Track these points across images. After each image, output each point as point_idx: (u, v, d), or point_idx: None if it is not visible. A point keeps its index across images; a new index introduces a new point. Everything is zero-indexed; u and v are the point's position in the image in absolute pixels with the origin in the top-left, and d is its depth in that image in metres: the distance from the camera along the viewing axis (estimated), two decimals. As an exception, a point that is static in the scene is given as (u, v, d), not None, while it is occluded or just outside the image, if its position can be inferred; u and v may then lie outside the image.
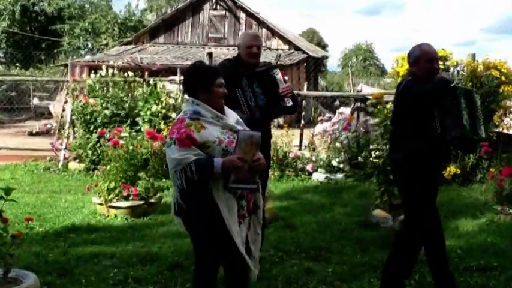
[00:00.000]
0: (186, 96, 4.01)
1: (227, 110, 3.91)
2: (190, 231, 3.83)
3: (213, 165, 3.53)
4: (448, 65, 9.89)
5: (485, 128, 4.61)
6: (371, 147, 7.47)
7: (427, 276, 4.99)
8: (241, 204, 3.74)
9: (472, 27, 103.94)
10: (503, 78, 9.23)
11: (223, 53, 24.79)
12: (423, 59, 4.44)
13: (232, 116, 3.90)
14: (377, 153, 7.01)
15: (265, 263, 5.54)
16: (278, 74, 5.25)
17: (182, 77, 17.69)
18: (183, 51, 25.64)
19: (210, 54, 11.02)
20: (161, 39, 27.24)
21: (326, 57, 36.03)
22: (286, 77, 5.46)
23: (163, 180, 9.09)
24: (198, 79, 3.77)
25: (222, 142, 3.64)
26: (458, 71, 10.08)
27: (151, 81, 11.69)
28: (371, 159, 7.18)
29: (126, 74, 11.83)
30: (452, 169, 8.79)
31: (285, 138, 10.66)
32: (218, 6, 26.67)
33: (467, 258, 5.49)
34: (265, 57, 22.97)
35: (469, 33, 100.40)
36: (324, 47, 45.22)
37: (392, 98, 10.36)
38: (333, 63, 70.26)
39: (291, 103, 5.24)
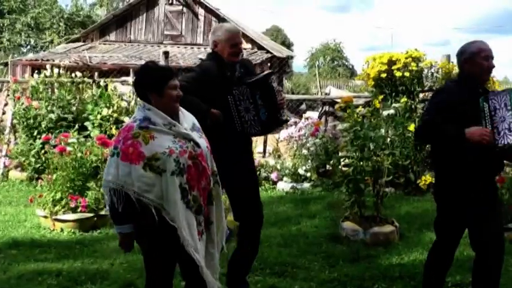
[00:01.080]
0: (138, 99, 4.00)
1: (184, 113, 3.90)
2: (142, 245, 3.83)
3: (118, 225, 3.70)
4: (421, 67, 10.07)
5: None
6: (340, 154, 7.56)
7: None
8: (199, 220, 3.76)
9: (446, 26, 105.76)
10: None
11: (180, 52, 24.79)
12: (480, 56, 4.44)
13: (188, 121, 3.89)
14: (346, 160, 7.09)
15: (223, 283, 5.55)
16: (274, 82, 5.10)
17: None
18: (136, 49, 25.46)
19: (165, 54, 10.96)
20: (112, 36, 27.00)
21: (291, 57, 36.20)
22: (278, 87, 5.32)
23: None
24: (149, 81, 3.73)
25: (173, 152, 3.62)
26: (432, 73, 10.28)
27: (102, 83, 11.57)
28: (340, 167, 7.26)
29: (73, 75, 11.67)
30: (427, 178, 8.92)
31: (253, 143, 10.67)
32: (175, 1, 26.54)
33: (454, 273, 5.56)
34: (226, 56, 23.04)
35: (443, 33, 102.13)
36: (289, 46, 45.56)
37: (362, 101, 10.60)
38: (299, 64, 70.67)
39: (285, 116, 5.17)
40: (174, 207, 3.61)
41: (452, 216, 4.50)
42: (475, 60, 4.41)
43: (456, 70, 9.46)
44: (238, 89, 4.71)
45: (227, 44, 4.82)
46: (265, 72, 5.01)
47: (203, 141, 3.88)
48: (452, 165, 4.41)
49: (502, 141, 4.15)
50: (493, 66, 4.49)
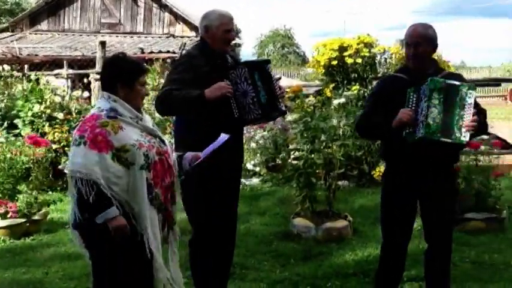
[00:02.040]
0: (85, 93, 3.98)
1: (144, 113, 3.92)
2: (92, 249, 3.77)
3: (104, 210, 3.54)
4: (374, 52, 10.19)
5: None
6: (290, 147, 7.60)
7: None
8: (159, 218, 3.77)
9: (404, 9, 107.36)
10: (434, 66, 9.56)
11: (120, 41, 24.52)
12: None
13: (148, 119, 3.92)
14: (296, 153, 7.12)
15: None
16: (271, 70, 4.76)
17: (70, 70, 17.40)
18: (71, 39, 25.05)
19: (103, 44, 10.90)
20: (44, 25, 26.50)
21: (239, 45, 36.07)
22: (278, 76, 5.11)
23: (49, 193, 8.94)
24: (121, 72, 3.74)
25: (142, 146, 3.64)
26: (385, 59, 10.41)
27: (33, 76, 11.39)
28: (290, 160, 7.30)
29: (1, 68, 11.46)
30: (382, 169, 9.02)
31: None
32: (112, -13, 26.26)
33: (408, 266, 5.67)
34: (169, 45, 22.91)
35: (400, 16, 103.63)
36: (236, 33, 45.39)
37: (313, 90, 10.67)
38: (247, 52, 70.66)
39: (284, 107, 4.89)
40: (141, 202, 3.62)
41: (400, 208, 4.58)
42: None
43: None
44: (235, 71, 4.54)
45: (220, 29, 4.60)
46: (263, 59, 4.90)
47: (166, 140, 3.93)
48: (396, 157, 4.54)
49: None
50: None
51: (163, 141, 3.83)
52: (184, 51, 18.79)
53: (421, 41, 4.41)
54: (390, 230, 4.67)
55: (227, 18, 4.65)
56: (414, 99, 4.31)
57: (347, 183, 9.00)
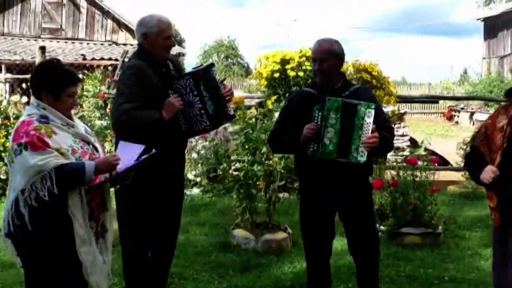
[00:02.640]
0: (23, 98, 3.91)
1: (75, 119, 3.87)
2: (25, 256, 3.71)
3: (85, 169, 3.50)
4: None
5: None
6: (231, 158, 7.61)
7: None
8: (90, 226, 3.72)
9: (344, 24, 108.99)
10: (374, 81, 9.72)
11: (60, 47, 24.22)
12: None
13: (80, 126, 3.87)
14: (237, 164, 7.15)
15: (108, 294, 5.49)
16: (215, 74, 4.69)
17: (8, 75, 17.07)
18: (10, 43, 24.61)
19: (42, 49, 10.64)
20: (-17, 28, 26.03)
21: (183, 54, 36.02)
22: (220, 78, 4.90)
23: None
24: (46, 81, 3.68)
25: (76, 152, 3.61)
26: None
27: (-31, 80, 11.14)
28: (231, 171, 7.32)
29: None
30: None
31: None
32: (54, -8, 25.92)
33: (335, 281, 5.72)
34: (111, 52, 22.73)
35: (341, 31, 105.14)
36: (180, 42, 45.36)
37: (255, 102, 10.72)
38: (191, 61, 70.75)
39: (232, 111, 4.83)
40: (76, 205, 3.59)
41: (314, 226, 4.62)
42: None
43: (351, 70, 9.80)
44: (179, 82, 4.46)
45: (160, 36, 4.49)
46: (206, 64, 4.73)
47: (99, 146, 3.89)
48: (307, 173, 4.60)
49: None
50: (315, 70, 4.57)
51: (96, 148, 3.80)
52: (126, 60, 18.66)
53: (326, 57, 4.44)
54: (312, 247, 4.70)
55: (166, 24, 4.55)
56: (320, 117, 4.33)
57: (287, 195, 9.03)
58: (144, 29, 4.51)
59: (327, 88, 4.45)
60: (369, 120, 4.30)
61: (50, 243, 3.60)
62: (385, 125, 4.51)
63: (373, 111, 4.32)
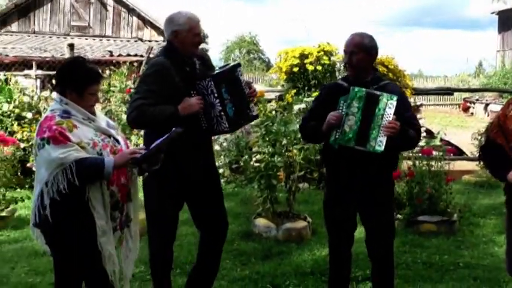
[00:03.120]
0: (54, 94, 3.92)
1: (98, 113, 3.90)
2: (54, 245, 3.76)
3: (104, 165, 3.52)
4: (334, 60, 10.27)
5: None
6: (253, 149, 7.62)
7: None
8: (114, 216, 3.75)
9: (362, 20, 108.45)
10: (390, 75, 9.68)
11: (89, 44, 24.31)
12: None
13: (103, 120, 3.89)
14: (258, 156, 7.16)
15: (135, 281, 5.53)
16: (242, 75, 4.58)
17: (38, 71, 17.19)
18: (40, 41, 24.78)
19: (71, 46, 10.82)
20: (14, 27, 26.17)
21: (206, 50, 36.14)
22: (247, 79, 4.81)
23: (18, 190, 8.84)
24: (71, 78, 3.70)
25: (96, 145, 3.63)
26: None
27: (1, 76, 11.24)
28: (252, 162, 7.33)
29: (-30, 67, 11.29)
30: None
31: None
32: (82, -9, 26.06)
33: (354, 268, 5.73)
34: (137, 49, 22.80)
35: (359, 26, 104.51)
36: (204, 38, 45.41)
37: (275, 95, 10.71)
38: (214, 57, 70.56)
39: (256, 112, 4.71)
40: (96, 197, 3.61)
41: (340, 214, 4.60)
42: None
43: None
44: (202, 83, 4.39)
45: (190, 33, 4.40)
46: (232, 64, 4.64)
47: (121, 139, 3.89)
48: (333, 161, 4.58)
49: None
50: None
51: (117, 141, 3.80)
52: (152, 56, 18.70)
53: (356, 50, 4.41)
54: (333, 235, 4.70)
55: (195, 21, 4.46)
56: (344, 106, 4.32)
57: (307, 185, 9.04)
58: (175, 26, 4.43)
59: (356, 81, 4.43)
60: (390, 111, 4.27)
61: (70, 234, 3.64)
62: (411, 122, 4.45)
63: (395, 103, 4.28)
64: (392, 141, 4.29)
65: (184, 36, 4.40)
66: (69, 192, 3.51)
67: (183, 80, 4.36)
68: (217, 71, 4.55)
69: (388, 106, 4.28)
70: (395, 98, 4.31)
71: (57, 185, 3.51)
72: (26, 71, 13.89)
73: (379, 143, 4.26)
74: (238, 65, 4.68)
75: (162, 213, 4.61)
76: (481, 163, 10.90)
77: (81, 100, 3.69)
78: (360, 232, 5.87)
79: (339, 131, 4.32)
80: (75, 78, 3.69)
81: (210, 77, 4.41)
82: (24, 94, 10.80)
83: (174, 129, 3.78)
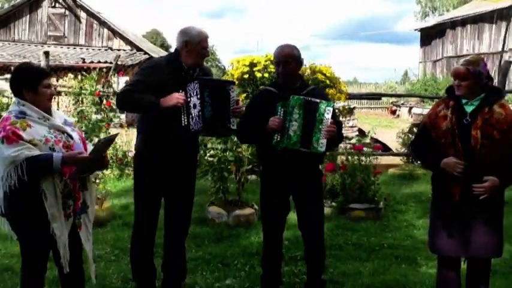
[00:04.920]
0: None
1: (55, 111, 3.83)
2: (17, 232, 3.70)
3: (52, 161, 3.46)
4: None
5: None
6: (207, 146, 7.58)
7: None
8: (68, 204, 3.67)
9: (305, 33, 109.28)
10: (327, 81, 9.73)
11: (64, 52, 23.96)
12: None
13: (59, 117, 3.82)
14: (212, 152, 7.14)
15: (102, 261, 5.47)
16: (234, 92, 4.45)
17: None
18: (20, 48, 24.32)
19: (46, 53, 10.53)
20: (-4, 35, 25.66)
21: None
22: (238, 98, 4.61)
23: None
24: (23, 79, 3.65)
25: (49, 141, 3.56)
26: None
27: (-17, 80, 10.95)
28: (206, 157, 7.30)
29: (-45, 72, 10.96)
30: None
31: (124, 138, 10.46)
32: (57, 4, 25.68)
33: (293, 248, 5.77)
34: (107, 57, 22.51)
35: (302, 38, 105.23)
36: (167, 48, 45.05)
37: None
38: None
39: (235, 126, 4.50)
40: (48, 188, 3.55)
41: (273, 204, 4.57)
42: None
43: (308, 72, 9.79)
44: (190, 85, 4.26)
45: (199, 46, 4.33)
46: (225, 79, 4.59)
47: (76, 134, 3.81)
48: (269, 159, 4.54)
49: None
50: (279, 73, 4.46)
51: (70, 136, 3.72)
52: (119, 62, 18.47)
53: (289, 60, 4.38)
54: (267, 222, 4.66)
55: (205, 36, 4.38)
56: (282, 113, 4.28)
57: (254, 177, 9.00)
58: (187, 37, 4.34)
59: (287, 88, 4.40)
60: (328, 116, 4.28)
61: (25, 221, 3.61)
62: (335, 120, 4.47)
63: (331, 109, 4.31)
64: (329, 142, 4.34)
65: (194, 48, 4.33)
66: (24, 185, 3.46)
67: (174, 79, 4.27)
68: (206, 77, 4.46)
69: (326, 112, 4.28)
70: (331, 105, 4.34)
71: (9, 180, 3.46)
72: (6, 76, 13.53)
73: (321, 144, 4.28)
74: (233, 82, 4.65)
75: (141, 198, 4.54)
76: (404, 158, 11.13)
77: (37, 96, 3.63)
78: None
79: (279, 135, 4.29)
80: (27, 77, 3.65)
81: (197, 80, 4.30)
82: (3, 96, 10.56)
83: (111, 134, 3.73)
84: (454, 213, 3.96)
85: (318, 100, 4.31)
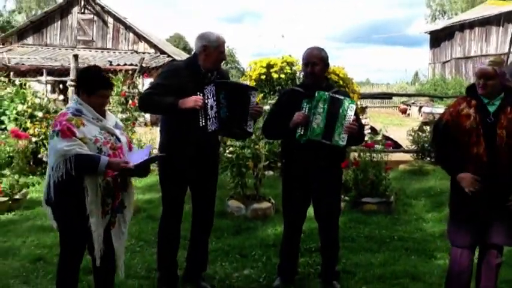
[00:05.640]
0: (61, 96, 3.90)
1: (108, 114, 3.88)
2: (58, 222, 3.74)
3: (99, 163, 3.50)
4: (294, 70, 10.25)
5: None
6: (226, 143, 7.58)
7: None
8: (107, 202, 3.69)
9: (319, 36, 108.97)
10: (340, 82, 9.72)
11: (92, 55, 24.10)
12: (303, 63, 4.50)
13: (111, 120, 3.86)
14: (231, 149, 7.13)
15: (127, 252, 5.47)
16: (254, 97, 4.41)
17: (48, 77, 16.98)
18: (51, 52, 24.52)
19: (75, 56, 10.65)
20: (29, 40, 25.91)
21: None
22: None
23: (30, 177, 8.71)
24: (84, 81, 3.71)
25: (98, 141, 3.60)
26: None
27: (17, 81, 11.05)
28: (226, 154, 7.29)
29: (-9, 74, 11.07)
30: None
31: (149, 136, 10.49)
32: (86, 11, 25.88)
33: (308, 240, 5.74)
34: (132, 59, 22.61)
35: (317, 41, 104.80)
36: (189, 51, 45.10)
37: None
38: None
39: (252, 129, 4.49)
40: (91, 185, 3.57)
41: (296, 197, 4.58)
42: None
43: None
44: (207, 87, 4.26)
45: (217, 50, 4.32)
46: (245, 83, 4.56)
47: (124, 138, 3.85)
48: (292, 154, 4.53)
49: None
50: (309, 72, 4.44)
51: (118, 139, 3.76)
52: (144, 65, 18.53)
53: (317, 61, 4.38)
54: (289, 214, 4.67)
55: (222, 41, 4.37)
56: (307, 108, 4.30)
57: (271, 173, 9.02)
58: (206, 42, 4.33)
59: (313, 87, 4.39)
60: (351, 113, 4.29)
61: (66, 212, 3.64)
62: (357, 118, 4.45)
63: (354, 106, 4.32)
64: (350, 138, 4.33)
65: (212, 52, 4.31)
66: (70, 179, 3.49)
67: (193, 82, 4.26)
68: (223, 80, 4.42)
69: (350, 109, 4.29)
70: (354, 103, 4.36)
71: (58, 172, 3.50)
72: (38, 77, 13.66)
73: (342, 138, 4.29)
74: (255, 89, 4.59)
75: (167, 195, 4.55)
76: (415, 155, 11.02)
77: (91, 101, 3.66)
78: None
79: (303, 129, 4.30)
80: (87, 81, 3.69)
81: (214, 83, 4.30)
82: (36, 97, 10.63)
83: (158, 153, 3.80)
84: (476, 209, 3.88)
85: (342, 97, 4.34)
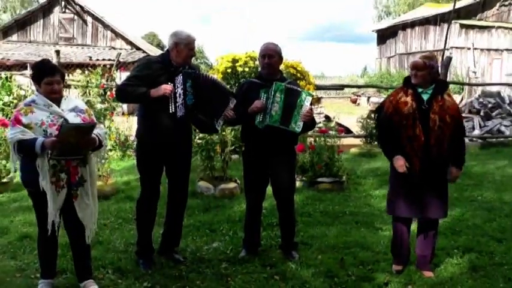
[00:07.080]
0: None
1: (70, 100, 3.83)
2: (31, 199, 3.83)
3: (34, 145, 3.50)
4: (257, 64, 10.18)
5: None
6: (197, 130, 7.54)
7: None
8: (61, 177, 3.65)
9: (281, 35, 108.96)
10: (298, 74, 9.71)
11: (73, 51, 23.65)
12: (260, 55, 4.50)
13: (71, 104, 3.79)
14: (200, 135, 7.08)
15: (107, 229, 5.42)
16: (233, 103, 4.37)
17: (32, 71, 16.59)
18: (35, 48, 23.94)
19: (57, 52, 10.37)
20: (14, 37, 25.22)
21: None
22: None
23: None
24: (33, 74, 3.72)
25: (44, 124, 3.61)
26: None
27: (3, 75, 10.72)
28: (196, 140, 7.24)
29: (-22, 69, 10.71)
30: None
31: (126, 124, 10.30)
32: (67, 10, 25.31)
33: (269, 216, 5.77)
34: (110, 55, 22.21)
35: (279, 40, 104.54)
36: (162, 48, 44.38)
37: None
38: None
39: (219, 127, 4.46)
40: (41, 161, 3.58)
41: (255, 177, 4.62)
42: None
43: (282, 67, 9.71)
44: (177, 77, 4.20)
45: (187, 47, 4.26)
46: (216, 78, 4.49)
47: (78, 119, 3.73)
48: (251, 138, 4.58)
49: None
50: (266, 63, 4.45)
51: (67, 121, 3.66)
52: (121, 59, 18.16)
53: (273, 54, 4.43)
54: (250, 193, 4.70)
55: (192, 39, 4.31)
56: (264, 97, 4.35)
57: (237, 156, 8.97)
58: (177, 39, 4.27)
59: (269, 79, 4.43)
60: (307, 103, 4.37)
61: (32, 191, 3.75)
62: (311, 109, 4.50)
63: (311, 99, 4.41)
64: (304, 125, 4.40)
65: (182, 48, 4.26)
66: (26, 160, 3.60)
67: (165, 75, 4.22)
68: (190, 71, 4.32)
69: (306, 100, 4.37)
70: (311, 95, 4.45)
71: (14, 156, 3.61)
72: (23, 71, 13.29)
73: (299, 125, 4.35)
74: (234, 95, 4.51)
75: (144, 177, 4.48)
76: (363, 139, 11.15)
77: (42, 89, 3.68)
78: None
79: (262, 116, 4.34)
80: (34, 73, 3.71)
81: (182, 73, 4.23)
82: (21, 89, 10.38)
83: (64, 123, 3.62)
84: (413, 182, 4.07)
85: (299, 89, 4.43)
